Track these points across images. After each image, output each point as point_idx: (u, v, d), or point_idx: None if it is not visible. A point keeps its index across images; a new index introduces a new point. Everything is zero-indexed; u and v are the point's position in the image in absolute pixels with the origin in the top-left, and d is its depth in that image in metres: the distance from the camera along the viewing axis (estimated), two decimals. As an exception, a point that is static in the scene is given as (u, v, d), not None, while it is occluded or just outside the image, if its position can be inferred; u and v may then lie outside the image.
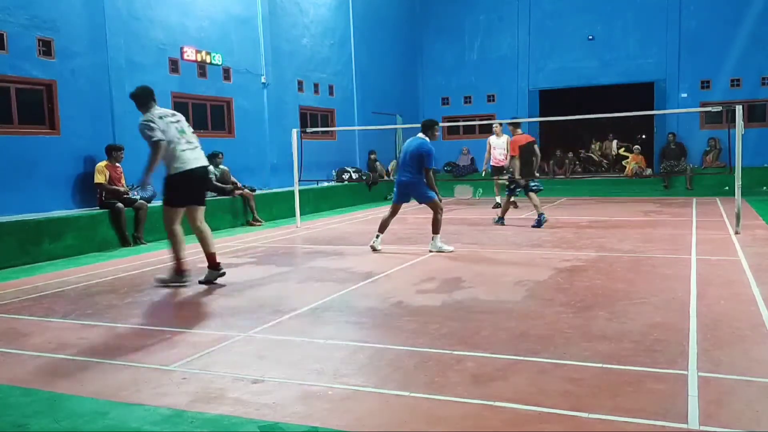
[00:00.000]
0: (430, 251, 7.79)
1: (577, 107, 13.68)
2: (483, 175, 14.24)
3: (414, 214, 13.10)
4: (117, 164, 9.57)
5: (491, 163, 13.65)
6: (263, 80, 13.70)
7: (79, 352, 4.17)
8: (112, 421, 3.07)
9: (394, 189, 8.15)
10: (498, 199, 13.46)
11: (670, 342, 3.97)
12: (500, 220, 10.69)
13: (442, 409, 3.07)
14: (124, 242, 9.20)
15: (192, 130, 6.44)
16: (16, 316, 5.23)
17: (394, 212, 8.19)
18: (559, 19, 19.36)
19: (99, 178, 9.30)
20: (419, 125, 8.20)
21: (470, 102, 20.67)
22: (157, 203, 10.21)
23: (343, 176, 15.77)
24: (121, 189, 9.47)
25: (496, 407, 3.05)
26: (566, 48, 19.35)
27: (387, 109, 18.64)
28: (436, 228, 7.86)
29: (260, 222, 11.87)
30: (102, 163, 9.41)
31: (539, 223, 9.97)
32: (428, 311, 4.94)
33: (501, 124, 13.66)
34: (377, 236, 8.09)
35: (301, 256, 8.11)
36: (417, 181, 7.84)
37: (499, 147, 13.45)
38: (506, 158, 13.17)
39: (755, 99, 17.38)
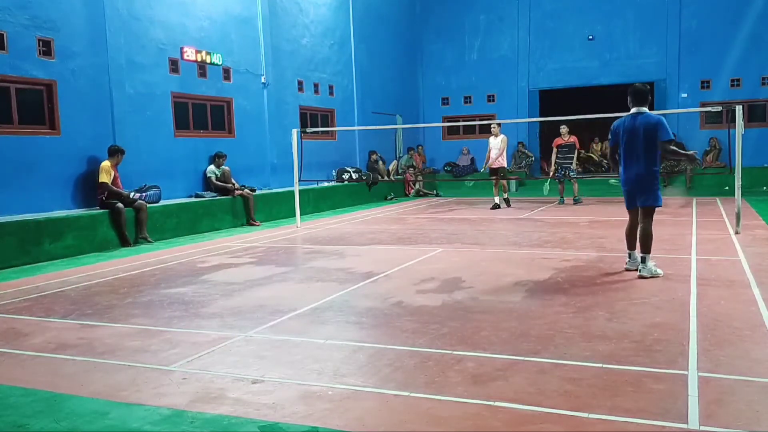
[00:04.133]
0: (642, 276, 5.94)
1: (577, 107, 13.69)
2: (483, 171, 14.32)
3: (415, 214, 13.10)
4: (116, 165, 9.59)
5: (488, 165, 13.74)
6: (263, 80, 13.69)
7: (79, 352, 4.17)
8: (112, 421, 3.07)
9: (624, 189, 6.17)
10: (497, 200, 13.45)
11: (670, 342, 3.97)
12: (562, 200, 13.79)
13: (442, 409, 3.07)
14: (124, 242, 9.19)
15: None
16: (16, 316, 5.23)
17: (634, 221, 6.22)
18: (559, 19, 19.37)
19: (104, 177, 9.28)
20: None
21: (470, 102, 20.68)
22: (159, 203, 10.24)
23: (343, 176, 15.77)
24: (123, 192, 9.46)
25: (496, 407, 3.05)
26: (566, 48, 19.36)
27: (387, 109, 18.64)
28: (647, 245, 5.98)
29: (258, 223, 11.84)
30: (107, 162, 9.42)
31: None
32: (428, 311, 4.94)
33: (499, 124, 13.68)
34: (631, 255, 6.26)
35: (301, 256, 8.11)
36: (651, 174, 5.98)
37: (495, 147, 13.46)
38: (502, 158, 13.51)
39: (755, 99, 17.39)
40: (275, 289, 5.98)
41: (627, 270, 6.23)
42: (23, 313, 5.33)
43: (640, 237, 6.06)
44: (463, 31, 20.51)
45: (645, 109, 6.05)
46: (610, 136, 6.28)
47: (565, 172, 13.83)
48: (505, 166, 13.93)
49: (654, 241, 6.04)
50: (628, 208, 6.25)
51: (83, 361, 3.98)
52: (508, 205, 13.55)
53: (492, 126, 13.64)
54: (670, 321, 4.45)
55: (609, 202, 13.81)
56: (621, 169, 6.17)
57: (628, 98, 6.14)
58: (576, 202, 13.94)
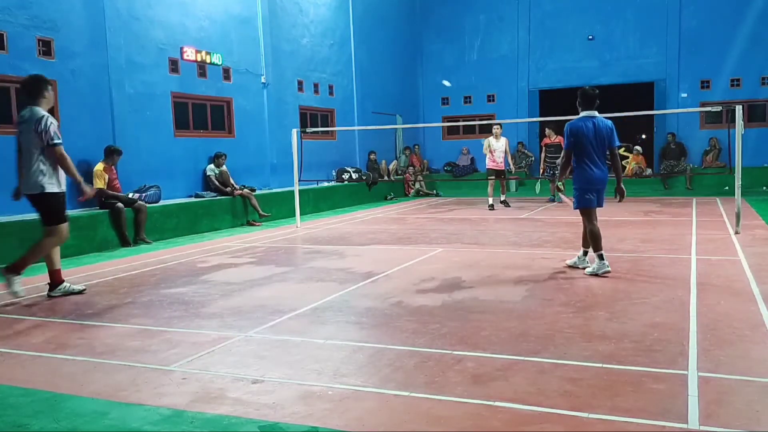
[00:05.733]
0: (583, 271, 6.29)
1: (577, 107, 13.69)
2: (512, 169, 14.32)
3: (415, 214, 13.10)
4: (113, 166, 9.56)
5: (490, 166, 13.69)
6: (263, 80, 13.69)
7: (79, 352, 4.17)
8: (112, 421, 3.07)
9: (591, 190, 6.25)
10: (491, 200, 13.42)
11: (670, 342, 3.97)
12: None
13: (442, 409, 3.07)
14: (124, 242, 9.19)
15: None
16: (16, 316, 5.23)
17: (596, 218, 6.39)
18: (559, 19, 19.37)
19: (99, 183, 9.23)
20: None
21: (470, 102, 20.68)
22: (158, 203, 10.23)
23: (343, 176, 15.78)
24: (121, 195, 9.45)
25: (496, 407, 3.05)
26: (566, 48, 19.36)
27: (387, 109, 18.64)
28: (598, 243, 6.24)
29: (267, 215, 11.90)
30: (100, 167, 9.36)
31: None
32: (428, 311, 4.94)
33: (500, 126, 13.70)
34: (585, 254, 6.46)
35: (301, 256, 8.11)
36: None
37: (498, 149, 13.49)
38: (503, 160, 13.61)
39: (755, 99, 17.38)
40: (275, 289, 5.98)
41: (606, 275, 6.08)
42: (23, 313, 5.33)
43: (596, 235, 6.26)
44: (463, 31, 20.51)
45: (596, 113, 6.26)
46: (569, 138, 6.20)
47: (553, 171, 13.89)
48: (504, 168, 14.00)
49: (654, 241, 6.06)
50: (592, 207, 6.30)
51: (83, 361, 3.98)
52: (507, 206, 13.61)
53: (495, 127, 13.58)
54: (670, 321, 4.45)
55: (608, 202, 13.79)
56: (584, 170, 6.19)
57: (578, 101, 6.33)
58: (551, 200, 14.28)
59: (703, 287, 5.46)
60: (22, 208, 8.65)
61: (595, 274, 6.10)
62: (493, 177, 13.59)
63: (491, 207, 13.30)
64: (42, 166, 5.71)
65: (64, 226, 5.91)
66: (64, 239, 5.97)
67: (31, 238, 8.05)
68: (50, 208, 5.82)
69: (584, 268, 6.36)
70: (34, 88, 5.82)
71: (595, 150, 6.17)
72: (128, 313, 5.21)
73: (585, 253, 6.51)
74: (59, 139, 5.70)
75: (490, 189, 13.57)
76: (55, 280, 5.97)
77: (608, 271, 6.10)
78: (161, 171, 11.01)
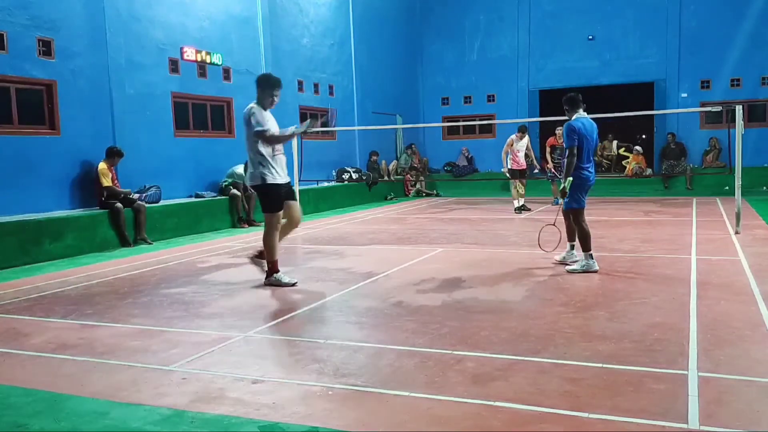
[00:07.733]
0: (569, 270, 6.37)
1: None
2: (506, 173, 13.17)
3: (415, 214, 13.10)
4: (113, 167, 9.57)
5: (512, 166, 12.80)
6: (263, 80, 13.68)
7: (79, 352, 4.17)
8: (112, 421, 3.07)
9: (585, 190, 6.45)
10: (516, 203, 12.68)
11: (670, 342, 3.97)
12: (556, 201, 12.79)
13: (442, 409, 3.07)
14: (124, 242, 9.19)
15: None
16: (16, 316, 5.23)
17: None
18: (559, 19, 19.36)
19: (105, 181, 9.27)
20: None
21: (470, 102, 20.67)
22: (159, 203, 10.23)
23: (343, 176, 15.77)
24: (126, 191, 9.46)
25: (496, 407, 3.05)
26: (566, 48, 19.35)
27: (387, 109, 18.63)
28: (588, 242, 6.38)
29: (259, 223, 11.83)
30: (104, 165, 9.37)
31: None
32: (428, 311, 4.94)
33: (526, 128, 13.28)
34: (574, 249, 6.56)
35: (301, 256, 8.11)
36: None
37: (522, 149, 12.83)
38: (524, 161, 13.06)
39: (755, 99, 17.38)
40: (275, 289, 5.98)
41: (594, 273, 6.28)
42: (23, 313, 5.33)
43: (587, 234, 6.42)
44: (463, 31, 20.50)
45: (585, 114, 6.48)
46: (572, 136, 6.28)
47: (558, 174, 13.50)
48: (526, 168, 13.30)
49: (654, 241, 6.07)
50: (583, 207, 6.47)
51: (83, 361, 3.98)
52: (527, 210, 12.76)
53: (522, 127, 13.06)
54: (670, 321, 4.45)
55: (608, 202, 13.82)
56: (582, 170, 6.33)
57: (566, 108, 6.55)
58: (555, 203, 13.62)
59: (703, 287, 5.46)
60: (22, 208, 8.70)
61: (581, 272, 6.24)
62: (517, 178, 12.74)
63: (521, 209, 12.54)
64: (259, 158, 5.95)
65: (278, 215, 6.09)
66: (276, 226, 6.10)
67: (31, 238, 8.08)
68: (268, 197, 6.03)
69: (573, 263, 6.51)
70: (258, 85, 6.47)
71: (590, 150, 6.39)
72: (128, 313, 5.21)
73: (572, 247, 6.66)
74: (261, 126, 5.95)
75: (514, 191, 12.75)
76: (272, 268, 6.14)
77: (596, 270, 6.26)
78: (161, 171, 11.00)
